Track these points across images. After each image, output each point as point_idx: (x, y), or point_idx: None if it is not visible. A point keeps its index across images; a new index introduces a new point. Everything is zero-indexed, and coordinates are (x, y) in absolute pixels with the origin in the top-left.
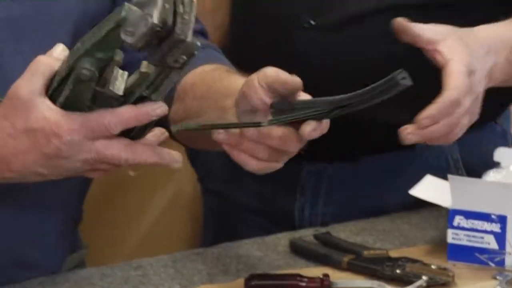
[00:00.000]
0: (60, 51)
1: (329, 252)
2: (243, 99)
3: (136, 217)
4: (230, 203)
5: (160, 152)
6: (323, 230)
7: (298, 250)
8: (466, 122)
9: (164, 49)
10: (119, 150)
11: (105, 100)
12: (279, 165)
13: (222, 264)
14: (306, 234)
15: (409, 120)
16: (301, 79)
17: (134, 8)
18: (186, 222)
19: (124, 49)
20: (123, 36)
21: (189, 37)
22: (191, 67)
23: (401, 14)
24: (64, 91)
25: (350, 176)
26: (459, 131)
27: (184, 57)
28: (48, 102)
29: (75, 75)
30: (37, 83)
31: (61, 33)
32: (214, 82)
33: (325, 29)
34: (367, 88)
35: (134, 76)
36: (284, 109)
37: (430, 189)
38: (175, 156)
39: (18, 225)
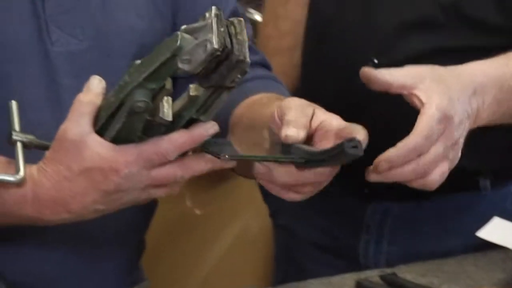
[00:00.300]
0: (97, 84)
1: None
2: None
3: (202, 256)
4: (299, 239)
5: (211, 158)
6: (388, 271)
7: None
8: (444, 169)
9: (223, 71)
10: (173, 169)
11: (154, 128)
12: (314, 191)
13: None
14: (372, 275)
15: (474, 162)
16: (363, 116)
17: (188, 36)
18: (253, 260)
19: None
20: (180, 65)
21: (247, 57)
22: (243, 97)
23: (464, 55)
24: (114, 124)
25: (415, 215)
26: (437, 178)
27: (240, 76)
28: (98, 139)
29: (129, 108)
30: (84, 124)
31: (120, 67)
32: (255, 112)
33: (388, 67)
34: (321, 150)
35: (182, 100)
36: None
37: (497, 231)
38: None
39: (79, 258)
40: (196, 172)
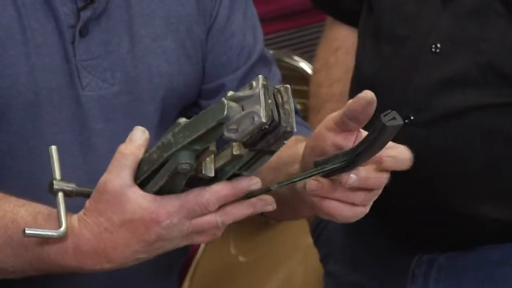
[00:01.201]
0: (140, 135)
1: None
2: (310, 155)
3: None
4: (347, 286)
5: (251, 202)
6: None
7: None
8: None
9: (270, 140)
10: (214, 217)
11: (196, 182)
12: (366, 210)
13: None
14: None
15: None
16: (404, 174)
17: (235, 105)
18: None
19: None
20: (226, 133)
21: (294, 127)
22: None
23: (501, 111)
24: (157, 180)
25: (460, 265)
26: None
27: (285, 142)
28: (139, 192)
29: (173, 168)
30: (126, 176)
31: (150, 110)
32: (282, 151)
33: (425, 124)
34: (361, 140)
35: (225, 157)
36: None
37: None
38: (268, 200)
39: None
40: (236, 218)
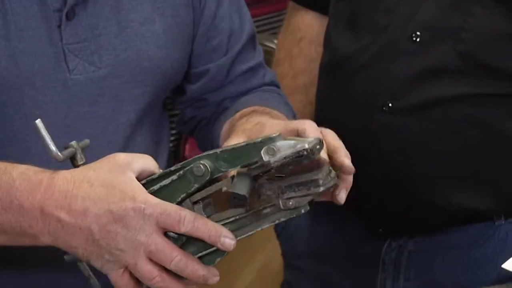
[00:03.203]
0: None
1: None
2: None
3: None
4: (312, 279)
5: (207, 267)
6: None
7: None
8: None
9: (293, 182)
10: (174, 249)
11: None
12: None
13: None
14: None
15: (488, 204)
16: (378, 160)
17: (291, 138)
18: None
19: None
20: (262, 152)
21: (322, 188)
22: (248, 103)
23: (479, 102)
24: (162, 180)
25: (430, 250)
26: None
27: (293, 205)
28: (136, 180)
29: (188, 168)
30: (136, 163)
31: (137, 93)
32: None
33: (403, 112)
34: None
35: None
36: None
37: None
38: (215, 272)
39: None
40: (188, 272)
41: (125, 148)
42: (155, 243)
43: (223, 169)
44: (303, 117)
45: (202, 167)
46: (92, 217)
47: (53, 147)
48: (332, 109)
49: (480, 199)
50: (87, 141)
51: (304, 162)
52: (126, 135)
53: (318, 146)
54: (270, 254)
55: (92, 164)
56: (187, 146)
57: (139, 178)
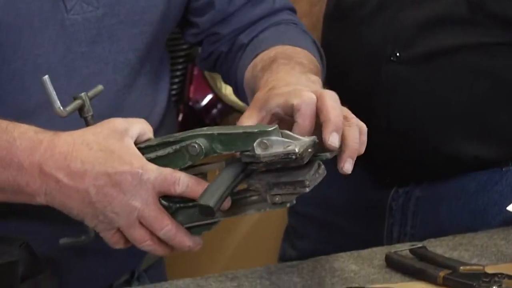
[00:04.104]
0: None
1: (425, 267)
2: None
3: (232, 228)
4: (318, 225)
5: (193, 238)
6: (419, 244)
7: (394, 264)
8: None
9: (280, 180)
10: (165, 218)
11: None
12: None
13: (317, 276)
14: (402, 249)
15: (495, 153)
16: (385, 110)
17: (288, 133)
18: (279, 234)
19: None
20: (255, 145)
21: (308, 188)
22: (267, 42)
23: (488, 51)
24: (159, 150)
25: (437, 196)
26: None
27: (280, 201)
28: (134, 146)
29: (184, 145)
30: (134, 129)
31: (135, 33)
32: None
33: (411, 62)
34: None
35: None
36: None
37: None
38: (199, 242)
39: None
40: (176, 242)
41: (124, 88)
42: (148, 210)
43: (217, 151)
44: None
45: (197, 147)
46: (90, 179)
47: (57, 104)
48: (338, 58)
49: (488, 148)
50: (99, 87)
51: (291, 164)
52: (125, 75)
53: (309, 150)
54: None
55: (92, 128)
56: (191, 88)
57: (135, 143)
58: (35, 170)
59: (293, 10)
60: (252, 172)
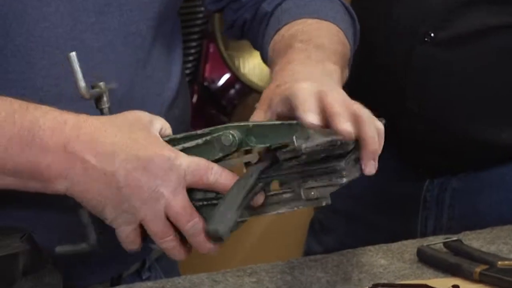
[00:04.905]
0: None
1: (459, 262)
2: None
3: (251, 220)
4: (346, 220)
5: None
6: (453, 237)
7: (426, 259)
8: None
9: (315, 171)
10: (195, 211)
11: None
12: None
13: (343, 272)
14: (435, 242)
15: None
16: (418, 95)
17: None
18: (303, 227)
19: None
20: (295, 136)
21: (346, 179)
22: (291, 16)
23: None
24: (186, 142)
25: (474, 187)
26: None
27: (315, 196)
28: (159, 136)
29: (216, 135)
30: (156, 123)
31: (147, 2)
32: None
33: (446, 43)
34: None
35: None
36: None
37: None
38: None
39: None
40: (200, 245)
41: (136, 63)
42: (177, 200)
43: (251, 144)
44: None
45: (231, 137)
46: (119, 161)
47: (82, 83)
48: (367, 38)
49: None
50: (114, 84)
51: (335, 153)
52: (137, 48)
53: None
54: None
55: (114, 117)
56: (207, 67)
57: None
58: (59, 150)
59: None
60: (280, 169)
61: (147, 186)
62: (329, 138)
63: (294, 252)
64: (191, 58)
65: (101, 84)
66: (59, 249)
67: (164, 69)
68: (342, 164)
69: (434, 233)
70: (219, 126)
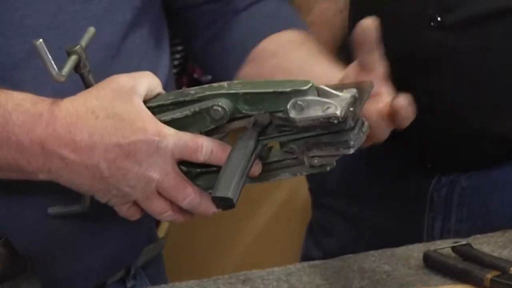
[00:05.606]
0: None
1: (469, 268)
2: None
3: (244, 221)
4: (347, 220)
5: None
6: (462, 241)
7: (433, 265)
8: None
9: (321, 140)
10: (187, 186)
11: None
12: None
13: (343, 279)
14: (443, 246)
15: None
16: (425, 84)
17: (318, 90)
18: (300, 229)
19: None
20: (289, 107)
21: (353, 149)
22: (270, 29)
23: None
24: (175, 112)
25: (487, 186)
26: None
27: (319, 163)
28: (144, 105)
29: (205, 106)
30: (141, 84)
31: None
32: (296, 67)
33: (455, 27)
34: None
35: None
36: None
37: None
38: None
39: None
40: (202, 209)
41: (122, 53)
42: (168, 180)
43: (243, 112)
44: (328, 27)
45: (220, 110)
46: (100, 153)
47: (54, 70)
48: None
49: None
50: (91, 30)
51: (333, 129)
52: (122, 36)
53: (351, 109)
54: (293, 187)
55: (93, 91)
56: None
57: (145, 101)
58: (37, 148)
59: None
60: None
61: (133, 172)
62: (324, 114)
63: (291, 257)
64: (179, 48)
65: (77, 48)
66: (51, 210)
67: (151, 61)
68: (350, 135)
69: (442, 235)
70: (207, 91)
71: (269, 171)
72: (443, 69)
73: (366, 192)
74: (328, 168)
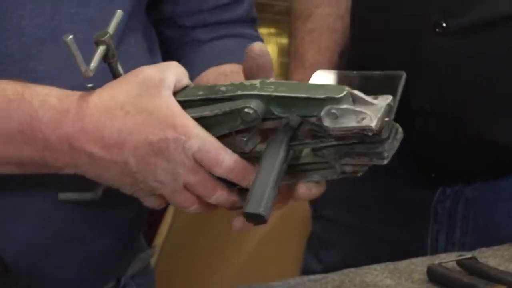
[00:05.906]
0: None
1: (474, 282)
2: None
3: (243, 238)
4: (347, 232)
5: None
6: (468, 255)
7: (437, 279)
8: None
9: (354, 150)
10: (215, 185)
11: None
12: None
13: None
14: (447, 260)
15: None
16: (429, 91)
17: (359, 96)
18: (300, 242)
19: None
20: (322, 114)
21: (387, 160)
22: (217, 60)
23: None
24: (204, 109)
25: (493, 198)
26: None
27: (350, 170)
28: (174, 98)
29: (236, 107)
30: (169, 77)
31: None
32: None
33: (459, 33)
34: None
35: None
36: None
37: None
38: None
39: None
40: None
41: (119, 54)
42: (195, 177)
43: (276, 113)
44: (329, 32)
45: (252, 113)
46: (129, 150)
47: (83, 66)
48: (373, 29)
49: None
50: (118, 12)
51: (366, 140)
52: (119, 39)
53: (386, 119)
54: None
55: (120, 85)
56: None
57: (174, 93)
58: (64, 145)
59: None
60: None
61: (162, 168)
62: (358, 125)
63: (291, 271)
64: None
65: (106, 38)
66: (62, 196)
67: (146, 62)
68: (385, 146)
69: (446, 249)
70: (239, 90)
71: (300, 171)
72: (446, 75)
73: (369, 203)
74: (359, 174)
